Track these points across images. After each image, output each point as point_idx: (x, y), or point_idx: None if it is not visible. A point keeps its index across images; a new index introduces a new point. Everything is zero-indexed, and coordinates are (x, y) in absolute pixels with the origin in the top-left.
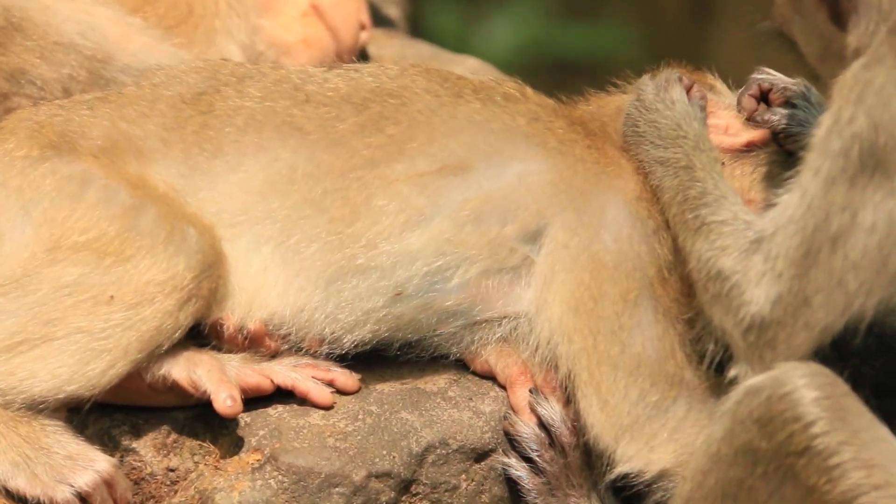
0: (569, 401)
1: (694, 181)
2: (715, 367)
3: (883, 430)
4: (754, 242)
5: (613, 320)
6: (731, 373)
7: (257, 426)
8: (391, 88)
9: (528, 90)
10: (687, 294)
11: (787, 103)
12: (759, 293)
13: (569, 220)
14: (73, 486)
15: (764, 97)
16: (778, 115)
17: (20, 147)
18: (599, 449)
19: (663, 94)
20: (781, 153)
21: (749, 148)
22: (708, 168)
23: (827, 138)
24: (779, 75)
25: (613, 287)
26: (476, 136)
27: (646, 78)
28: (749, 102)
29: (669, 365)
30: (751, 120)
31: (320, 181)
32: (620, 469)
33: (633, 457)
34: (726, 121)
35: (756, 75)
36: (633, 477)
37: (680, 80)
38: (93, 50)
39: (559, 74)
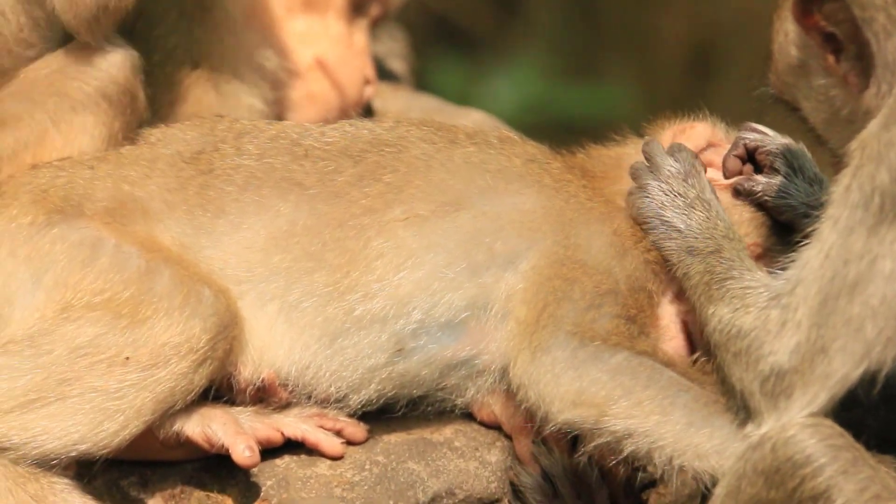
0: (573, 450)
1: (721, 261)
2: None
3: (890, 481)
4: (773, 298)
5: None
6: (745, 431)
7: (265, 476)
8: (387, 138)
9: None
10: (645, 316)
11: (772, 168)
12: (778, 344)
13: (557, 239)
14: None
15: (751, 157)
16: (760, 186)
17: (25, 213)
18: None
19: (692, 180)
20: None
21: None
22: (736, 251)
23: (846, 192)
24: (769, 133)
25: (587, 278)
26: (472, 176)
27: (657, 148)
28: (733, 163)
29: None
30: (732, 185)
31: (320, 233)
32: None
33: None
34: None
35: (742, 133)
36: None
37: (697, 158)
38: None
39: (560, 134)
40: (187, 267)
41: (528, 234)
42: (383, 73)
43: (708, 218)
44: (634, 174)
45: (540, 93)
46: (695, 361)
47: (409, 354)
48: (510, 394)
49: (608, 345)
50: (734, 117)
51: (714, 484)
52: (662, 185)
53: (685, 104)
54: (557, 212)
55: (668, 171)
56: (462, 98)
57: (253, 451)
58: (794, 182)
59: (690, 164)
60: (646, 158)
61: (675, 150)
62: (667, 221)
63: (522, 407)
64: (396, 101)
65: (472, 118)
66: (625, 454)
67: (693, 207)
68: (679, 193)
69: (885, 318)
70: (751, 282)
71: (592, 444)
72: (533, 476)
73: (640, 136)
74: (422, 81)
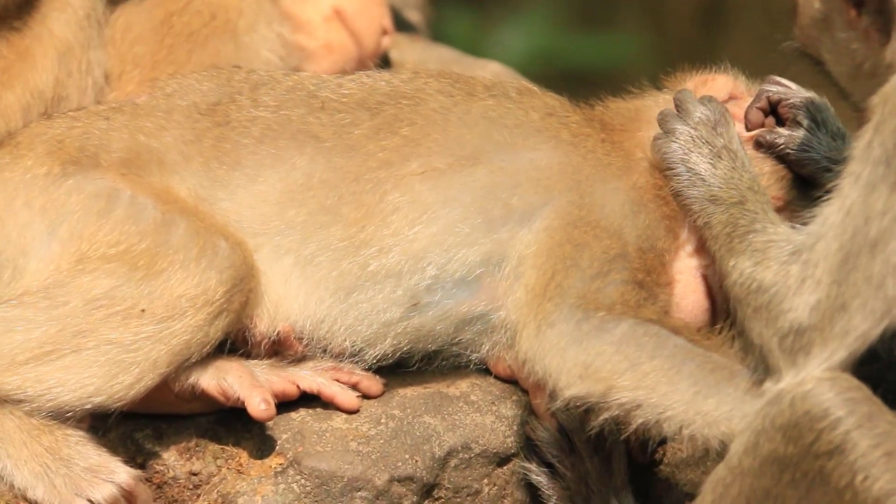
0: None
1: (744, 213)
2: None
3: None
4: (794, 254)
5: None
6: (764, 386)
7: (280, 430)
8: (405, 91)
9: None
10: (654, 279)
11: (795, 121)
12: (798, 301)
13: (572, 198)
14: (90, 501)
15: (773, 109)
16: (783, 139)
17: (40, 164)
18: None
19: (721, 129)
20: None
21: None
22: (760, 203)
23: (868, 148)
24: (791, 86)
25: (597, 242)
26: (490, 131)
27: (689, 96)
28: (756, 116)
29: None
30: (754, 138)
31: (336, 187)
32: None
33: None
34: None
35: (766, 86)
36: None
37: (727, 110)
38: None
39: (570, 83)
40: (203, 219)
41: (545, 192)
42: (400, 24)
43: (734, 168)
44: (662, 120)
45: (549, 42)
46: (700, 328)
47: (424, 309)
48: None
49: (612, 314)
50: (745, 67)
51: (724, 448)
52: (691, 130)
53: (696, 54)
54: (574, 168)
55: (699, 117)
56: (471, 48)
57: (269, 405)
58: (816, 136)
59: (721, 113)
60: (676, 106)
61: (706, 99)
62: (692, 168)
63: (531, 380)
64: (413, 52)
65: (490, 69)
66: (634, 426)
67: (720, 157)
68: (707, 141)
69: None
70: (773, 235)
71: (602, 417)
72: (549, 430)
73: (659, 88)
74: (436, 29)
